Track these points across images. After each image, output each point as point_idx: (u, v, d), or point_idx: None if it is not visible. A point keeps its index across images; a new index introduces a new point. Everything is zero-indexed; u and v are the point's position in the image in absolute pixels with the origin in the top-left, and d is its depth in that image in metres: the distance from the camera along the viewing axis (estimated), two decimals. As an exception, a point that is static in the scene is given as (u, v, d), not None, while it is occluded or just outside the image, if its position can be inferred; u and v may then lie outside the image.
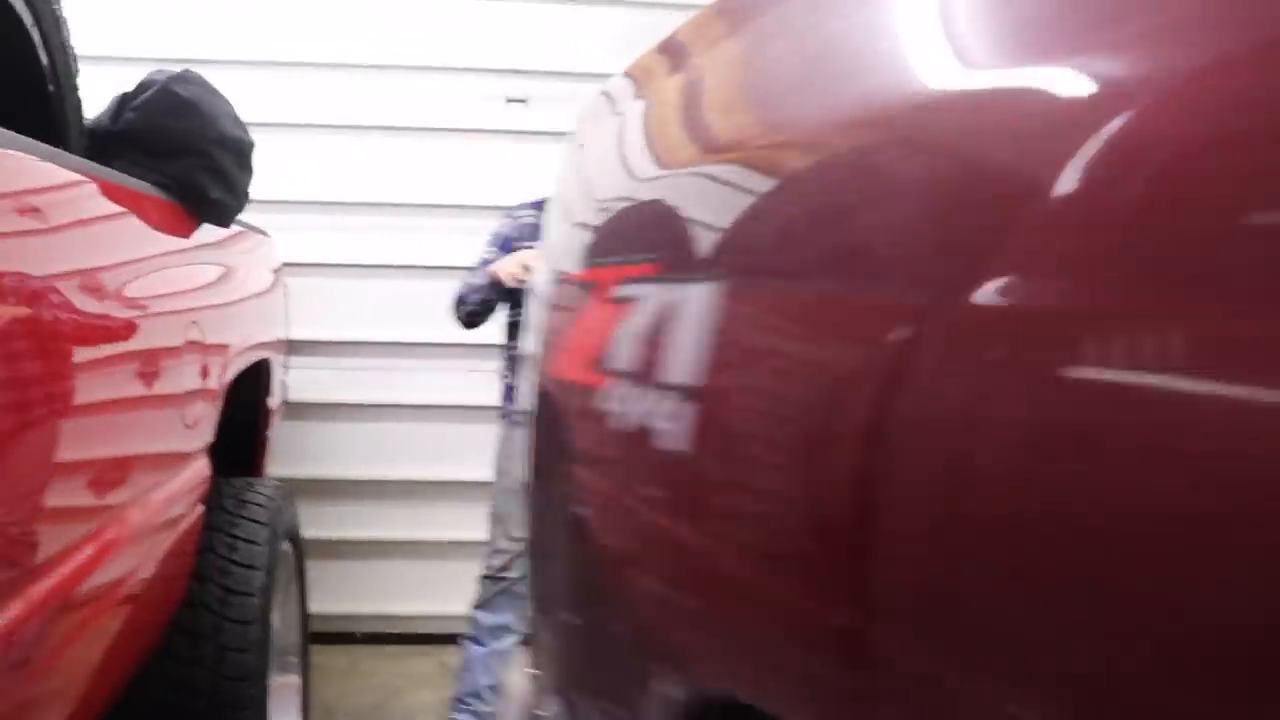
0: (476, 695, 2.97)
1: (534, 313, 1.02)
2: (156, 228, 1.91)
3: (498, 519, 3.17)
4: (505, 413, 3.33)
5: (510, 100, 4.02)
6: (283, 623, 2.45)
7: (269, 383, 2.87)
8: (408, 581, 4.03)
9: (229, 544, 2.13)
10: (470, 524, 4.02)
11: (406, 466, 4.02)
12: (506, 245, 3.26)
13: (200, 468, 2.01)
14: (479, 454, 3.98)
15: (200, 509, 2.02)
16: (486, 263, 3.20)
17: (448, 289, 3.92)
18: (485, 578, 3.08)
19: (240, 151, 2.11)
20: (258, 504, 2.29)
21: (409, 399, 4.01)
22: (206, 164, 2.02)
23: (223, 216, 2.17)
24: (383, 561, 4.04)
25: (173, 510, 1.86)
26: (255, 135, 2.35)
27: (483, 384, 4.00)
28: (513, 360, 3.22)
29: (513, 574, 2.94)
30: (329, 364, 3.98)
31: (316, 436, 3.98)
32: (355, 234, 3.98)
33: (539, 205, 3.25)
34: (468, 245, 3.93)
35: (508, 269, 3.01)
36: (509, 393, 3.30)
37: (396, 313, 4.00)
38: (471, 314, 3.21)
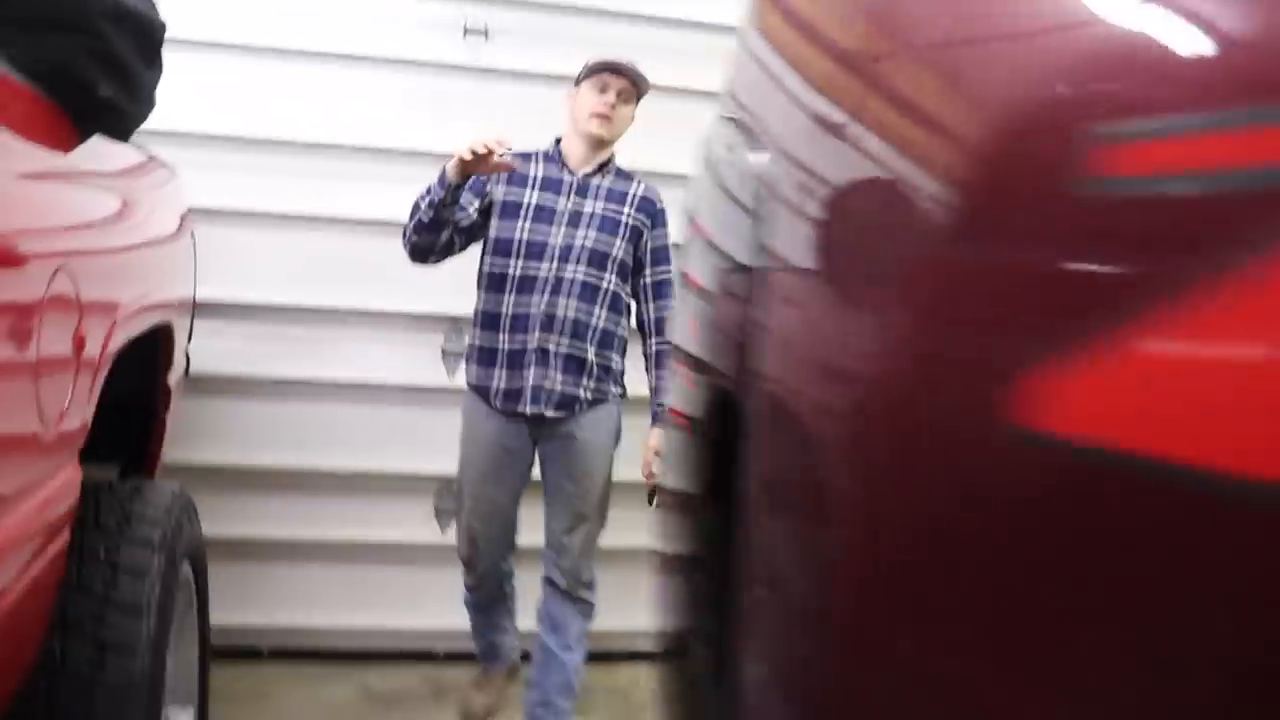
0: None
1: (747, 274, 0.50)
2: (15, 131, 1.32)
3: (460, 504, 2.91)
4: (476, 389, 2.84)
5: (468, 31, 3.43)
6: (176, 668, 1.86)
7: (169, 354, 2.26)
8: (325, 589, 3.45)
9: (108, 579, 1.55)
10: (402, 522, 3.47)
11: (327, 454, 3.42)
12: (479, 188, 2.80)
13: (66, 477, 1.43)
14: (414, 441, 3.44)
15: (65, 536, 1.44)
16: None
17: (386, 248, 3.34)
18: (461, 560, 2.95)
19: (146, 35, 1.52)
20: (149, 519, 1.70)
21: (334, 375, 3.41)
22: (96, 46, 1.43)
23: (118, 125, 1.58)
24: (296, 566, 3.44)
25: (23, 537, 1.28)
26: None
27: (424, 361, 3.44)
28: (486, 318, 2.78)
29: (478, 562, 2.89)
30: (238, 331, 3.35)
31: (220, 416, 3.36)
32: (275, 177, 3.35)
33: (525, 156, 2.85)
34: (412, 197, 3.35)
35: (469, 144, 2.51)
36: (469, 352, 2.86)
37: (323, 273, 3.39)
38: (419, 229, 2.70)
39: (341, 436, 3.42)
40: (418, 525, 3.49)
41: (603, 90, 2.76)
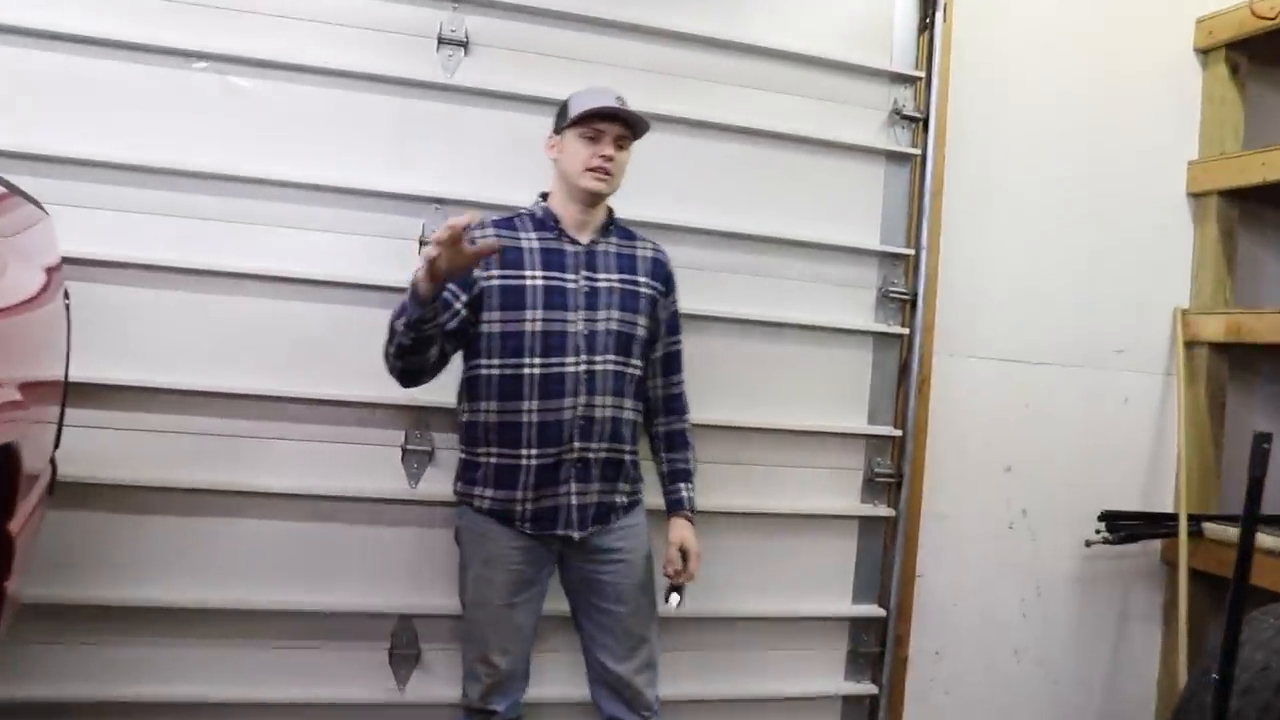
0: None
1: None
2: None
3: (471, 639, 2.34)
4: (495, 513, 2.28)
5: (444, 41, 2.70)
6: None
7: (12, 486, 1.44)
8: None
9: None
10: (351, 674, 2.66)
11: (251, 587, 2.59)
12: (463, 277, 2.18)
13: None
14: (366, 569, 2.64)
15: None
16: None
17: (333, 317, 2.59)
18: (468, 710, 2.37)
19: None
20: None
21: (261, 483, 2.58)
22: None
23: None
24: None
25: None
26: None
27: (380, 464, 2.65)
28: (502, 430, 2.24)
29: (496, 705, 2.33)
30: (130, 423, 2.51)
31: (105, 539, 2.50)
32: (187, 221, 2.54)
33: (507, 223, 2.33)
34: (370, 251, 2.62)
35: (433, 239, 1.99)
36: (468, 470, 2.32)
37: (248, 349, 2.58)
38: (402, 353, 2.16)
39: (271, 564, 2.59)
40: (371, 677, 2.66)
41: (594, 139, 2.27)
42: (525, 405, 2.21)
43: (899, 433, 3.04)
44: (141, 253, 2.48)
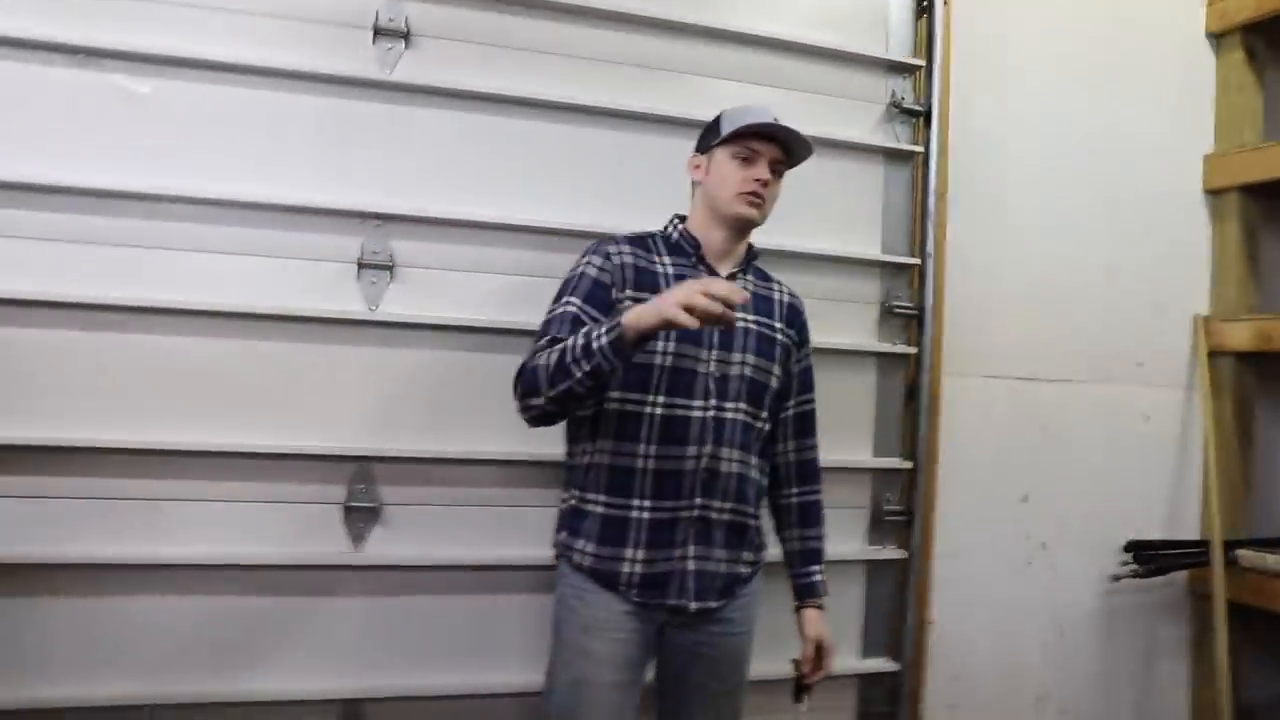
0: None
1: None
2: None
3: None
4: (596, 573, 1.93)
5: (381, 32, 2.33)
6: None
7: None
8: None
9: None
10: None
11: (161, 678, 2.19)
12: (603, 299, 1.92)
13: None
14: (300, 648, 2.25)
15: None
16: (576, 321, 1.86)
17: (251, 353, 2.21)
18: None
19: None
20: None
21: (174, 553, 2.19)
22: None
23: None
24: None
25: None
26: None
27: (317, 525, 2.27)
28: (612, 476, 1.92)
29: None
30: (14, 488, 2.11)
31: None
32: (80, 246, 2.15)
33: (639, 241, 2.04)
34: (299, 277, 2.24)
35: (691, 298, 1.62)
36: (572, 519, 1.98)
37: (154, 395, 2.19)
38: (566, 398, 1.79)
39: (193, 647, 2.19)
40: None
41: (749, 161, 2.00)
42: (642, 449, 1.91)
43: (909, 465, 2.71)
44: (14, 285, 2.08)
